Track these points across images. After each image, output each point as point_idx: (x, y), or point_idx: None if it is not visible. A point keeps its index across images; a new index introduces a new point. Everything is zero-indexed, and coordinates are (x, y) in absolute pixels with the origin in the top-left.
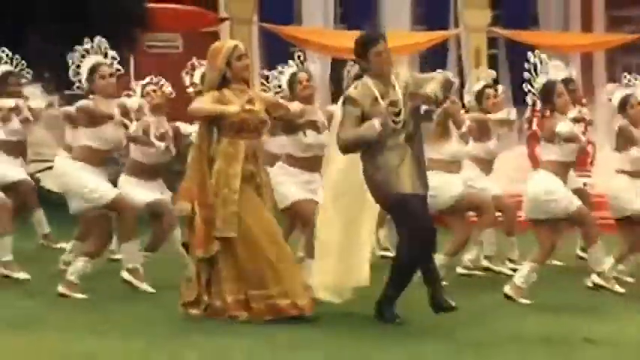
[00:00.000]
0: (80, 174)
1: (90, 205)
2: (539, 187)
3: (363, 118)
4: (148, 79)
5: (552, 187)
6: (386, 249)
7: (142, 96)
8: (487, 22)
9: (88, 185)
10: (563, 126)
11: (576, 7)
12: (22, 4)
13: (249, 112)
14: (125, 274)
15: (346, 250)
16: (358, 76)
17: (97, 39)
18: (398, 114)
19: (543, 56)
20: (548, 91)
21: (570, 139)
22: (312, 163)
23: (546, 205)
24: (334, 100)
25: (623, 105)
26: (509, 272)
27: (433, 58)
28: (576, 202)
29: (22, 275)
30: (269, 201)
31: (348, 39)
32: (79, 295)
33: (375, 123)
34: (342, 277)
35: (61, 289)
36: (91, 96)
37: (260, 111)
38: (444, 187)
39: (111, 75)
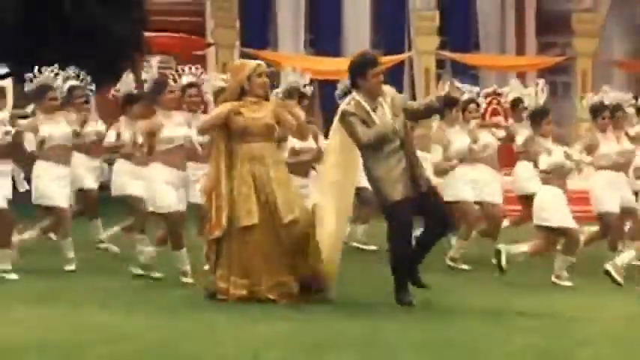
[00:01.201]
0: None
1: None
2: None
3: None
4: (189, 79)
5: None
6: (363, 242)
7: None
8: (436, 46)
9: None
10: (545, 159)
11: (511, 34)
12: (39, 30)
13: (251, 119)
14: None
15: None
16: (346, 92)
17: (167, 57)
18: None
19: (540, 85)
20: (540, 116)
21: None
22: (302, 169)
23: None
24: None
25: (595, 112)
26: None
27: (389, 77)
28: (570, 221)
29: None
30: (279, 198)
31: (316, 63)
32: (156, 274)
33: (389, 120)
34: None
35: (134, 269)
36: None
37: (264, 117)
38: None
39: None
